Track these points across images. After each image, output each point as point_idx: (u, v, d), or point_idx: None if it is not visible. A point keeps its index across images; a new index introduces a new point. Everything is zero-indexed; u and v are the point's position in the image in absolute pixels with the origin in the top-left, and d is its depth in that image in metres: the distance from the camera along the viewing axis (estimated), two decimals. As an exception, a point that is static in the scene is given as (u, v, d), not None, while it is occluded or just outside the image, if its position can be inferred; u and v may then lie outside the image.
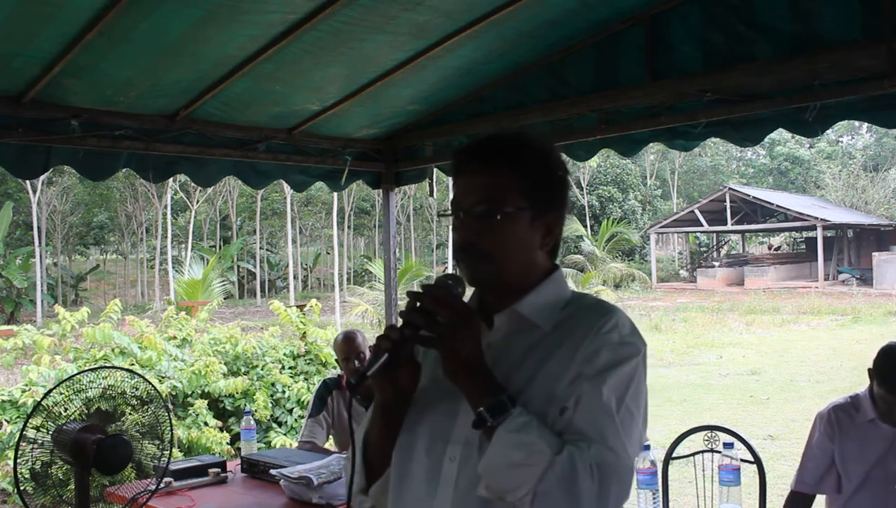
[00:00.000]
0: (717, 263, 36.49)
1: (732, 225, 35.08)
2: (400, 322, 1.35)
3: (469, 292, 1.47)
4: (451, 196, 1.78)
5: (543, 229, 1.40)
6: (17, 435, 2.75)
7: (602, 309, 1.39)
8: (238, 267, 34.99)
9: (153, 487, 2.92)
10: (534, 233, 1.40)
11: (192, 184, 22.87)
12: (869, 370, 2.74)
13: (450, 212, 1.41)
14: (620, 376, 1.30)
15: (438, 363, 1.45)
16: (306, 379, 7.23)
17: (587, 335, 1.33)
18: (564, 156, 4.16)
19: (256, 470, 3.59)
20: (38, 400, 2.77)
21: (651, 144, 3.83)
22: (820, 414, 2.92)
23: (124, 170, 3.78)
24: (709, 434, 3.31)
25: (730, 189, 34.35)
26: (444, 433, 1.36)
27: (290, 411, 6.95)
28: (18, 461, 2.67)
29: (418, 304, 1.33)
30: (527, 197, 1.38)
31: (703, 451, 3.35)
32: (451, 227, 1.44)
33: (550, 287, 1.42)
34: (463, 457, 1.32)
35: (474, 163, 1.41)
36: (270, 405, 6.79)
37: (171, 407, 5.99)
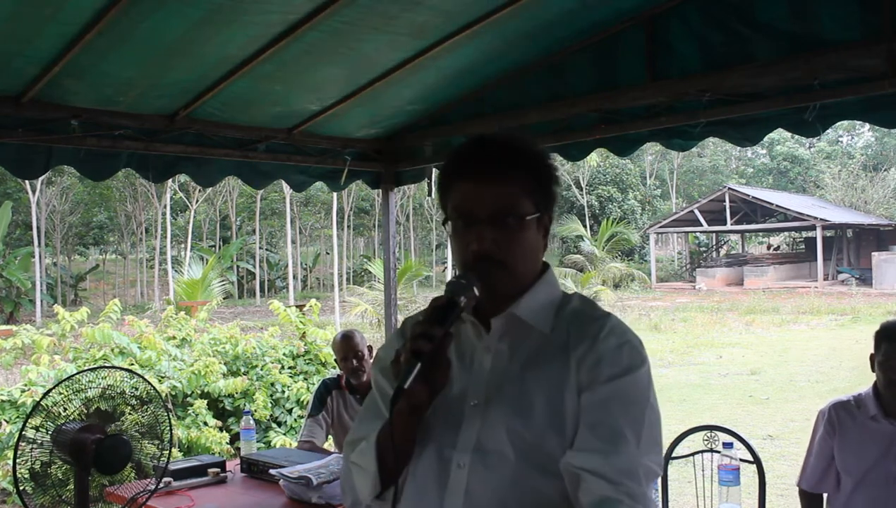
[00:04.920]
0: (715, 263, 36.50)
1: (732, 225, 35.09)
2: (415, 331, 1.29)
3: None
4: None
5: (544, 231, 1.40)
6: (17, 435, 2.74)
7: (594, 313, 1.39)
8: (237, 267, 34.98)
9: (153, 487, 2.92)
10: (539, 236, 1.39)
11: (192, 183, 22.89)
12: (871, 355, 2.74)
13: (454, 218, 1.36)
14: (629, 389, 1.30)
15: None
16: (306, 379, 7.22)
17: (582, 340, 1.34)
18: (558, 156, 4.14)
19: (256, 470, 3.59)
20: (38, 399, 2.77)
21: (649, 144, 3.83)
22: (821, 412, 2.92)
23: (124, 169, 3.78)
24: (708, 434, 3.30)
25: (729, 189, 34.36)
26: (451, 440, 1.34)
27: (290, 411, 6.95)
28: (18, 461, 2.66)
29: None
30: (535, 202, 1.36)
31: (702, 451, 3.34)
32: (451, 234, 1.39)
33: (544, 287, 1.41)
34: (473, 464, 1.30)
35: (484, 170, 1.34)
36: (270, 405, 6.79)
37: (170, 407, 5.98)
